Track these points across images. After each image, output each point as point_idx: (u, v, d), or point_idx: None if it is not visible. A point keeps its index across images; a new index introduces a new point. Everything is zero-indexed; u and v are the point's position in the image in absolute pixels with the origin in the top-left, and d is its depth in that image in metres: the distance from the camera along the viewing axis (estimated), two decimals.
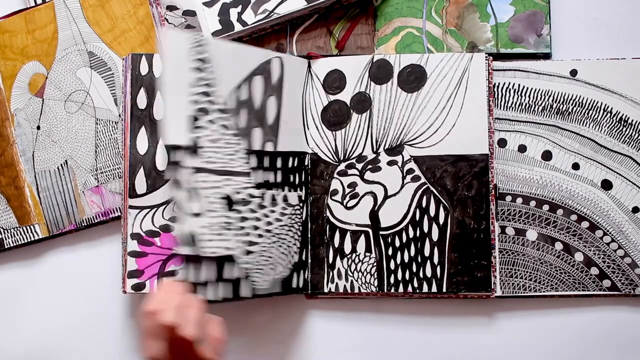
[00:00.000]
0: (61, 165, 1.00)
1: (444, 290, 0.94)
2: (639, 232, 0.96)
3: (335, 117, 0.98)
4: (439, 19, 1.00)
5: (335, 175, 0.97)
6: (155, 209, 0.96)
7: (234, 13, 0.99)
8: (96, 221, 1.00)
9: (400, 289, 0.94)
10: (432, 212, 0.95)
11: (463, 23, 1.00)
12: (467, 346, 0.98)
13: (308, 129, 0.98)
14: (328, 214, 0.97)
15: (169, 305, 0.75)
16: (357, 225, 0.96)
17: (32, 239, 1.00)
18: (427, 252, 0.94)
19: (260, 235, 0.90)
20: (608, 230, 0.96)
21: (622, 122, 0.97)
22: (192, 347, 0.74)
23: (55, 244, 1.01)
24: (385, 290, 0.95)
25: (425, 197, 0.95)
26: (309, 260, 0.97)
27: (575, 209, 0.97)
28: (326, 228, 0.97)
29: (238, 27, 0.99)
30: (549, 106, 0.98)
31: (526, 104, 0.98)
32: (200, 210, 0.84)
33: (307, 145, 0.98)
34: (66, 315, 1.01)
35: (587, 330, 0.97)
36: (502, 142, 0.98)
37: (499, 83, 0.98)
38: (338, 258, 0.96)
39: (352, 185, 0.97)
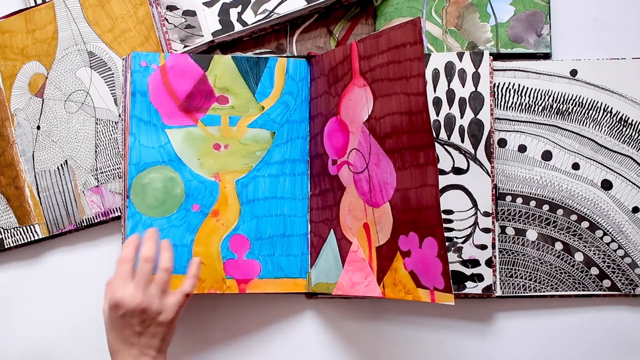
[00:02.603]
0: (61, 165, 1.00)
1: None
2: (639, 232, 0.96)
3: None
4: (439, 19, 1.00)
5: None
6: None
7: (234, 13, 0.99)
8: (96, 221, 1.00)
9: None
10: None
11: (463, 23, 1.00)
12: (467, 346, 0.98)
13: None
14: None
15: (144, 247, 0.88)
16: None
17: (32, 239, 1.00)
18: None
19: None
20: (608, 230, 0.96)
21: (622, 122, 0.97)
22: (168, 281, 0.87)
23: (55, 244, 1.01)
24: None
25: None
26: None
27: (575, 209, 0.97)
28: None
29: (238, 27, 0.98)
30: (549, 106, 0.98)
31: (526, 104, 0.98)
32: None
33: None
34: (66, 315, 1.00)
35: (587, 330, 0.97)
36: (502, 142, 0.98)
37: (499, 83, 0.98)
38: None
39: None
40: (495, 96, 0.98)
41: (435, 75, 0.96)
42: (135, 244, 0.89)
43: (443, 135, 0.96)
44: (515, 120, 0.98)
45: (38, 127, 1.00)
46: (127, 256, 0.87)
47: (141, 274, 0.86)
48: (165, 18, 0.99)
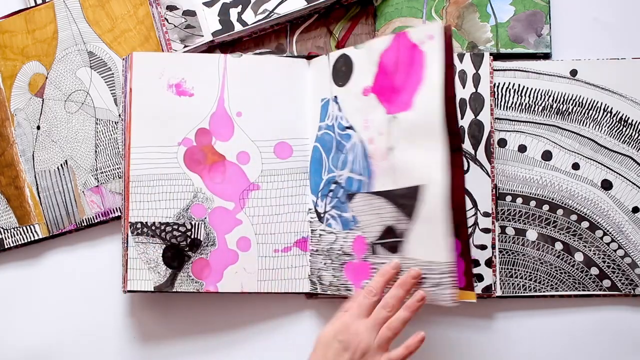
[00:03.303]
0: (61, 165, 1.00)
1: None
2: (639, 232, 0.96)
3: None
4: (439, 19, 1.00)
5: None
6: None
7: (234, 13, 0.99)
8: (96, 221, 1.00)
9: None
10: None
11: (463, 23, 1.00)
12: (467, 346, 0.98)
13: None
14: None
15: None
16: None
17: (32, 239, 1.00)
18: None
19: None
20: (608, 230, 0.96)
21: (622, 122, 0.97)
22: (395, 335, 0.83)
23: (55, 244, 1.01)
24: None
25: None
26: None
27: (575, 209, 0.97)
28: None
29: (238, 27, 0.99)
30: (549, 106, 0.98)
31: (526, 104, 0.98)
32: None
33: None
34: (66, 315, 1.00)
35: (587, 330, 0.97)
36: (502, 142, 0.98)
37: (499, 83, 0.98)
38: None
39: None
40: (495, 96, 0.98)
41: None
42: (387, 277, 0.84)
43: None
44: (515, 120, 0.98)
45: (38, 127, 1.00)
46: (374, 289, 0.82)
47: (377, 318, 0.82)
48: (165, 18, 0.99)
